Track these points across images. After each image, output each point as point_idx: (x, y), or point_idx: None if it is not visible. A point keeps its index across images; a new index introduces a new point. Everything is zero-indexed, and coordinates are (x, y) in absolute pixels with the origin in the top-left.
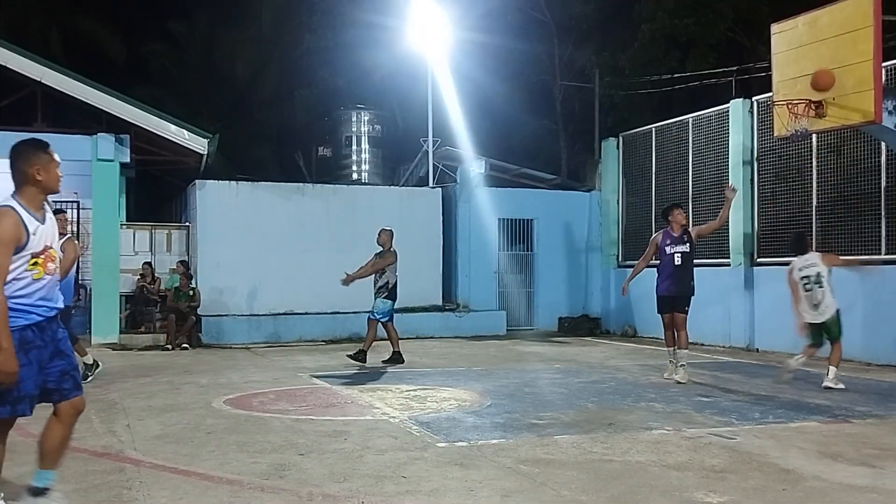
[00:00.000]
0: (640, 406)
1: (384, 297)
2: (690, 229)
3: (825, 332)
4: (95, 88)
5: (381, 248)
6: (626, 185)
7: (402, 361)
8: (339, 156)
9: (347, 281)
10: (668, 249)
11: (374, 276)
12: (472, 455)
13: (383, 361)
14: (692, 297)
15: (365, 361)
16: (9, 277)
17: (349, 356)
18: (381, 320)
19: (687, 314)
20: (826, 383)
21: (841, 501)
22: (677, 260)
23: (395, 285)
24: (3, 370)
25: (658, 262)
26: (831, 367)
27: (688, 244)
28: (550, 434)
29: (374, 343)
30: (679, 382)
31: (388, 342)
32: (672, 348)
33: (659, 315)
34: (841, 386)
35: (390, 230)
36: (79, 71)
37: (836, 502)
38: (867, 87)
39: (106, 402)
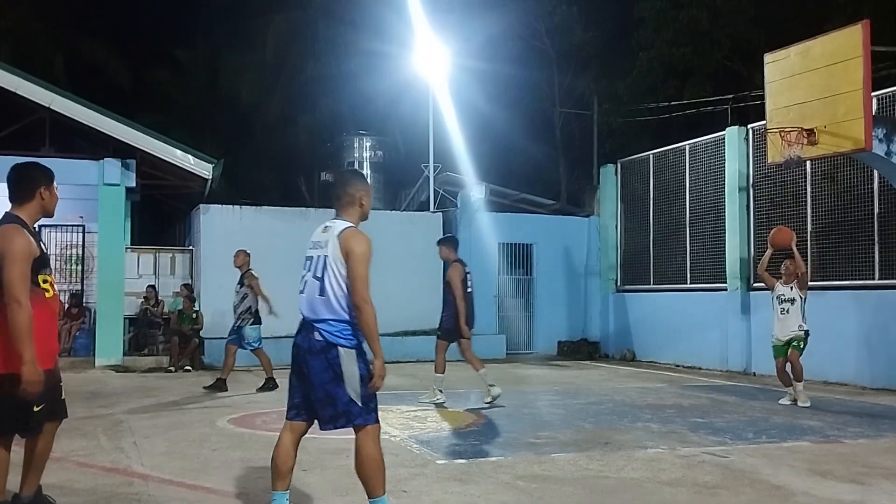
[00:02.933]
0: (636, 426)
1: (252, 324)
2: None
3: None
4: (102, 114)
5: (240, 272)
6: (624, 211)
7: (277, 387)
8: None
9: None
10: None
11: (235, 301)
12: (470, 471)
13: (258, 389)
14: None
15: (270, 389)
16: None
17: (205, 387)
18: (257, 347)
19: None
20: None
21: None
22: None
23: (258, 309)
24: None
25: None
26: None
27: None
28: (548, 452)
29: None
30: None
31: (262, 368)
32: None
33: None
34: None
35: (245, 251)
36: (84, 97)
37: None
38: (857, 115)
39: (112, 421)
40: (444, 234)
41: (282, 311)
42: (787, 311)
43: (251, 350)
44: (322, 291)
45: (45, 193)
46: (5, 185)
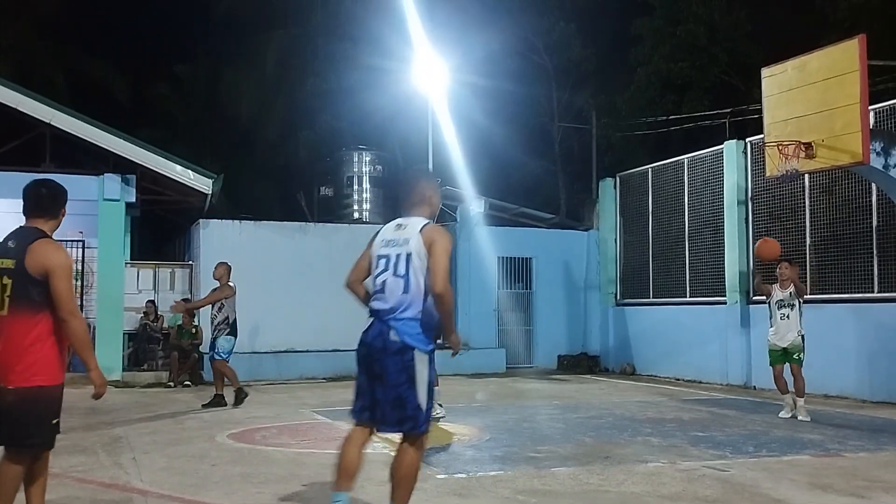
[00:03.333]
0: (636, 440)
1: (227, 335)
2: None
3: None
4: (103, 129)
5: (218, 283)
6: (623, 225)
7: (225, 405)
8: (340, 195)
9: (179, 308)
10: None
11: (212, 312)
12: (470, 486)
13: (203, 405)
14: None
15: (242, 401)
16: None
17: (204, 405)
18: (225, 359)
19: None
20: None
21: None
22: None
23: (235, 321)
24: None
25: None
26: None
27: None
28: (548, 466)
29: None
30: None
31: (229, 383)
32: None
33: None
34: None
35: (226, 263)
36: (85, 113)
37: None
38: (855, 129)
39: (111, 437)
40: None
41: (278, 324)
42: (788, 317)
43: (217, 359)
44: (406, 288)
45: (63, 212)
46: (3, 199)
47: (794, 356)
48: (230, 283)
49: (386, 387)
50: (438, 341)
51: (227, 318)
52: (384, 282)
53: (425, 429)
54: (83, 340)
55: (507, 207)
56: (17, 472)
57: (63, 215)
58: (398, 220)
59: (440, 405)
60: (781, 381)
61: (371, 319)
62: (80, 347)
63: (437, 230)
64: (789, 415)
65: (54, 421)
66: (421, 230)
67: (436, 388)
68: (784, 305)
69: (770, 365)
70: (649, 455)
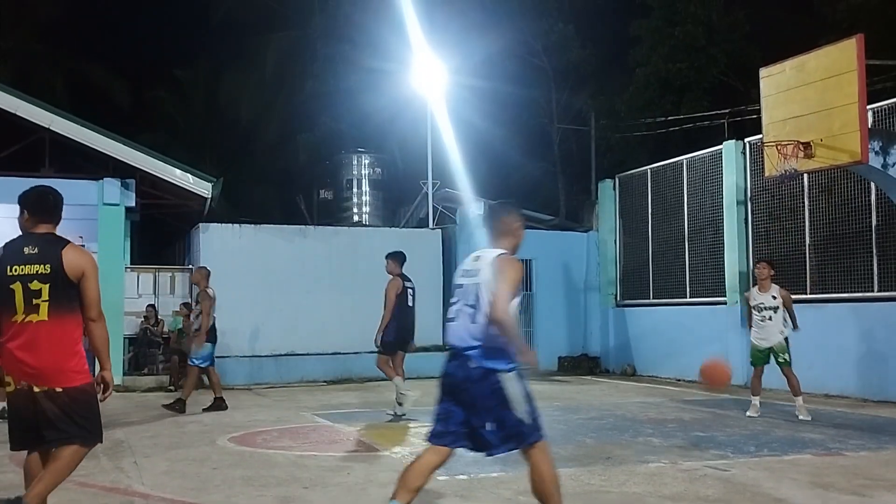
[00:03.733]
0: (637, 441)
1: (205, 341)
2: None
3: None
4: (102, 134)
5: (198, 289)
6: (622, 226)
7: (225, 408)
8: (340, 198)
9: (199, 340)
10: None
11: (191, 318)
12: (472, 487)
13: (203, 409)
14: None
15: (216, 410)
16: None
17: (164, 405)
18: (201, 365)
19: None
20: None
21: None
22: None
23: (212, 326)
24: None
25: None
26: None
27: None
28: None
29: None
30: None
31: (211, 389)
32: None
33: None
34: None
35: (205, 268)
36: (84, 117)
37: None
38: (853, 128)
39: (112, 441)
40: (443, 250)
41: (278, 327)
42: (771, 319)
43: (198, 366)
44: (474, 319)
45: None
46: (2, 205)
47: (781, 357)
48: (209, 289)
49: (480, 413)
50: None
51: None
52: (458, 311)
53: (536, 437)
54: (106, 342)
55: None
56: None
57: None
58: (478, 252)
59: (400, 403)
60: (758, 382)
61: (448, 350)
62: (103, 348)
63: (506, 261)
64: (756, 414)
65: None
66: (493, 259)
67: (409, 393)
68: (765, 308)
69: (752, 364)
70: (650, 455)
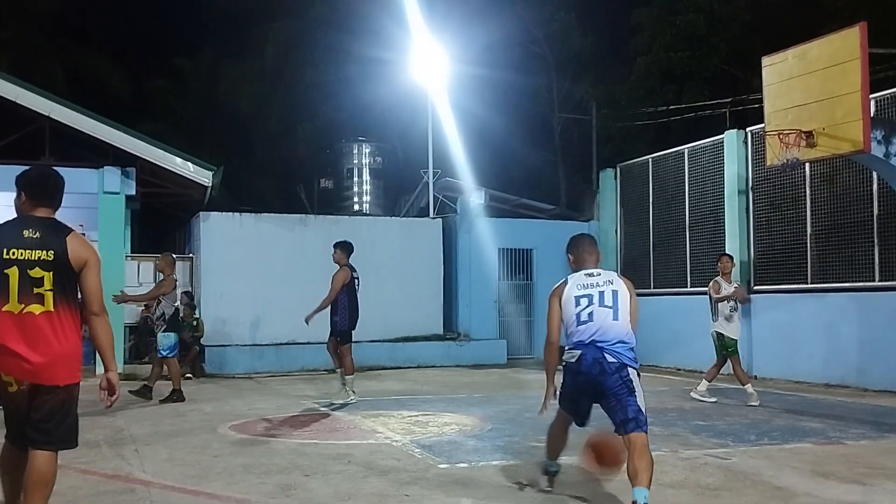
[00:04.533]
0: None
1: (164, 331)
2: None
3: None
4: (102, 122)
5: (162, 276)
6: (623, 215)
7: (183, 400)
8: (340, 187)
9: (121, 298)
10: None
11: (152, 308)
12: (473, 476)
13: (161, 401)
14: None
15: (174, 400)
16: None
17: (131, 392)
18: (168, 356)
19: None
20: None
21: None
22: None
23: (173, 316)
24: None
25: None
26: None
27: None
28: None
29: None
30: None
31: (171, 379)
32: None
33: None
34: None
35: (170, 255)
36: (85, 107)
37: None
38: (856, 117)
39: (113, 429)
40: (444, 240)
41: (279, 317)
42: (737, 310)
43: (161, 357)
44: (616, 316)
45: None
46: (3, 193)
47: (737, 349)
48: (173, 277)
49: (609, 399)
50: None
51: (164, 314)
52: (590, 313)
53: (646, 427)
54: (111, 339)
55: (507, 199)
56: (54, 471)
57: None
58: (585, 271)
59: (353, 392)
60: (742, 369)
61: (578, 351)
62: (107, 346)
63: (630, 282)
64: (757, 403)
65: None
66: (621, 277)
67: (349, 377)
68: (732, 299)
69: (730, 354)
70: (651, 444)
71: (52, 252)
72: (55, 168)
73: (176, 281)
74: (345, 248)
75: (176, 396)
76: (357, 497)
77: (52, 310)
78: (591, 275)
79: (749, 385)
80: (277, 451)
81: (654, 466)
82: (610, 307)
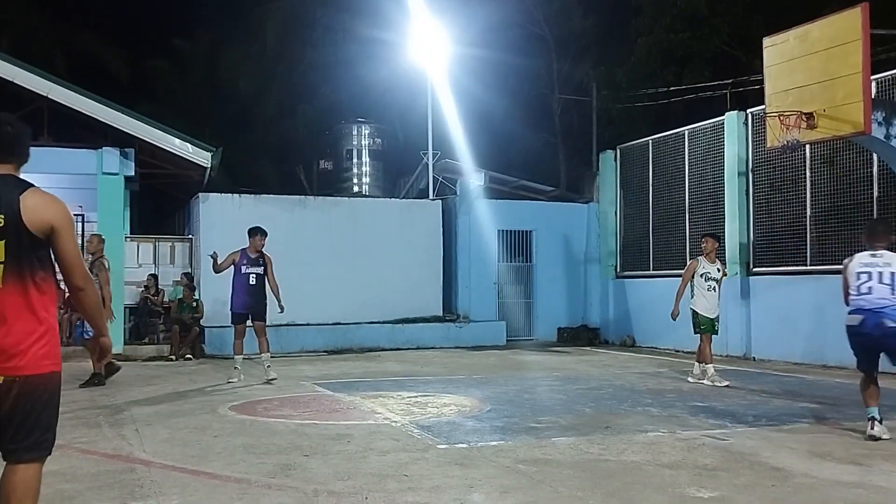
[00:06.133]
0: (636, 410)
1: None
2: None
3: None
4: (101, 103)
5: (92, 258)
6: (623, 197)
7: (103, 384)
8: (340, 169)
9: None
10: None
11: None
12: (472, 456)
13: (80, 385)
14: None
15: (113, 373)
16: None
17: (82, 385)
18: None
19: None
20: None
21: (828, 496)
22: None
23: (103, 298)
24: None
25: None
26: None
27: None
28: (548, 436)
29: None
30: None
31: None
32: None
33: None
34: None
35: (100, 236)
36: (83, 87)
37: (823, 497)
38: (856, 98)
39: (114, 409)
40: (443, 221)
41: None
42: (714, 290)
43: (86, 339)
44: (894, 291)
45: (28, 154)
46: None
47: (716, 328)
48: (104, 259)
49: (891, 352)
50: None
51: (102, 297)
52: (870, 287)
53: None
54: (99, 307)
55: (506, 180)
56: (35, 480)
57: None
58: (869, 252)
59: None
60: (710, 349)
61: (860, 316)
62: (96, 315)
63: None
64: (724, 383)
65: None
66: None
67: (265, 354)
68: (710, 278)
69: (703, 333)
70: (649, 425)
71: (3, 216)
72: (52, 154)
73: (107, 262)
74: (260, 233)
75: (96, 381)
76: (356, 477)
77: (2, 286)
78: (874, 255)
79: (711, 366)
80: (277, 431)
81: None
82: (888, 284)
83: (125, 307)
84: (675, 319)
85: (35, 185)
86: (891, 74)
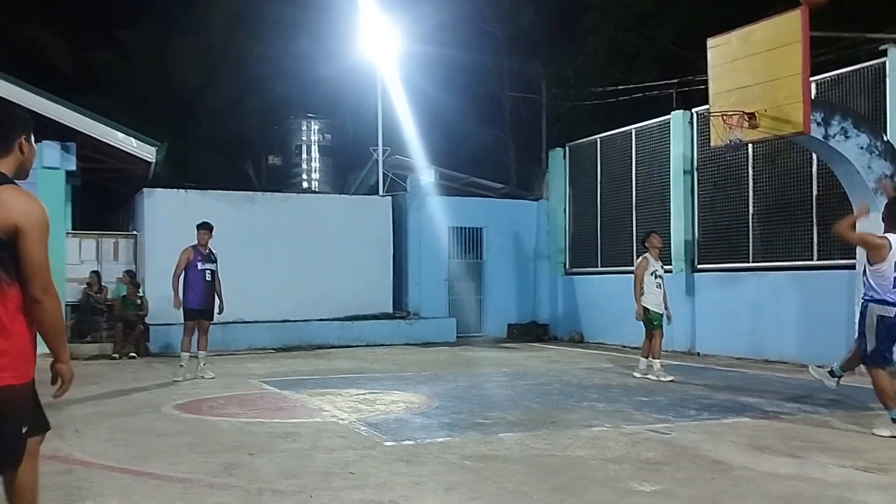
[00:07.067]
0: (582, 406)
1: None
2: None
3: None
4: (40, 96)
5: None
6: (572, 194)
7: None
8: (289, 164)
9: None
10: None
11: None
12: (418, 453)
13: None
14: None
15: None
16: None
17: None
18: None
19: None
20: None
21: (766, 488)
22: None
23: None
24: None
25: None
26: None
27: None
28: (495, 432)
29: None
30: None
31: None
32: None
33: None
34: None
35: None
36: (25, 80)
37: (761, 489)
38: (796, 99)
39: (51, 408)
40: (393, 218)
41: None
42: (661, 287)
43: None
44: None
45: (24, 146)
46: None
47: (661, 323)
48: None
49: None
50: None
51: None
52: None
53: None
54: (58, 326)
55: (457, 177)
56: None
57: (25, 152)
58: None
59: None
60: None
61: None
62: (53, 334)
63: None
64: (667, 377)
65: (24, 430)
66: None
67: (203, 352)
68: (658, 276)
69: (655, 328)
70: (594, 420)
71: None
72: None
73: None
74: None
75: None
76: (302, 475)
77: None
78: None
79: (658, 361)
80: (222, 430)
81: None
82: None
83: (67, 305)
84: (639, 320)
85: (14, 182)
86: (830, 75)
